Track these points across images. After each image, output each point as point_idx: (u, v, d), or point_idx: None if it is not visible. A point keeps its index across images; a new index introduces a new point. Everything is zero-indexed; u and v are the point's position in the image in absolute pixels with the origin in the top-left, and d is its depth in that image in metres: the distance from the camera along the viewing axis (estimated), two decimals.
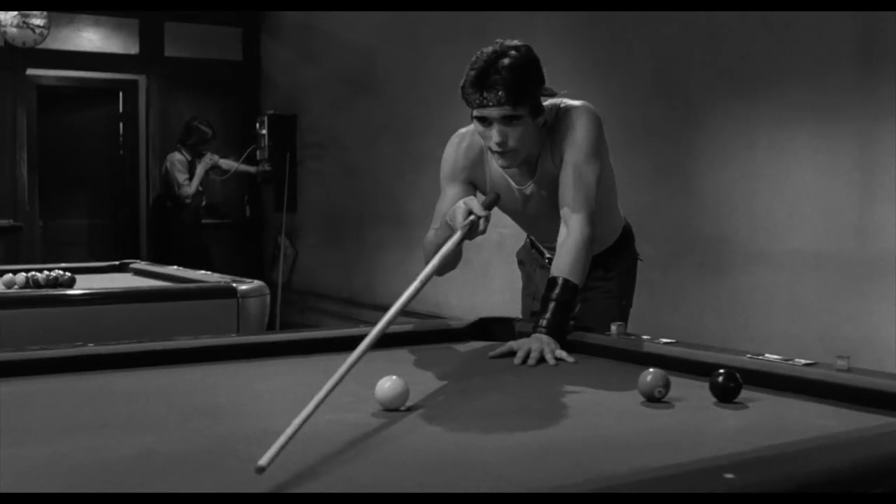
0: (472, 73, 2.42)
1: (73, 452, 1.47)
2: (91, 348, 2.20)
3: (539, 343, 2.29)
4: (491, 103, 2.41)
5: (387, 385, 1.75)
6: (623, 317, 2.83)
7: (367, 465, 1.42)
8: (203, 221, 7.92)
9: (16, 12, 7.69)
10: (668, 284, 4.73)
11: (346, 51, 7.61)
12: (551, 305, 2.39)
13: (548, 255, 2.91)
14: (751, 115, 4.46)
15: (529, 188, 2.67)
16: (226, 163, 7.89)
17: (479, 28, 5.46)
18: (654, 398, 1.84)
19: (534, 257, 3.01)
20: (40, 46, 7.87)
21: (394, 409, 1.75)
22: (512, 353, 2.30)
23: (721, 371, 1.86)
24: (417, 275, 2.13)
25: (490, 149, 2.53)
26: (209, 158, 7.63)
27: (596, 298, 2.81)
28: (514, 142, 2.47)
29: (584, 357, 2.30)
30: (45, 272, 3.98)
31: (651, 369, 1.88)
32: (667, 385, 1.84)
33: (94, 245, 8.72)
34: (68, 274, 4.00)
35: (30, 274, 3.96)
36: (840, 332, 4.05)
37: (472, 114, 2.49)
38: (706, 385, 1.87)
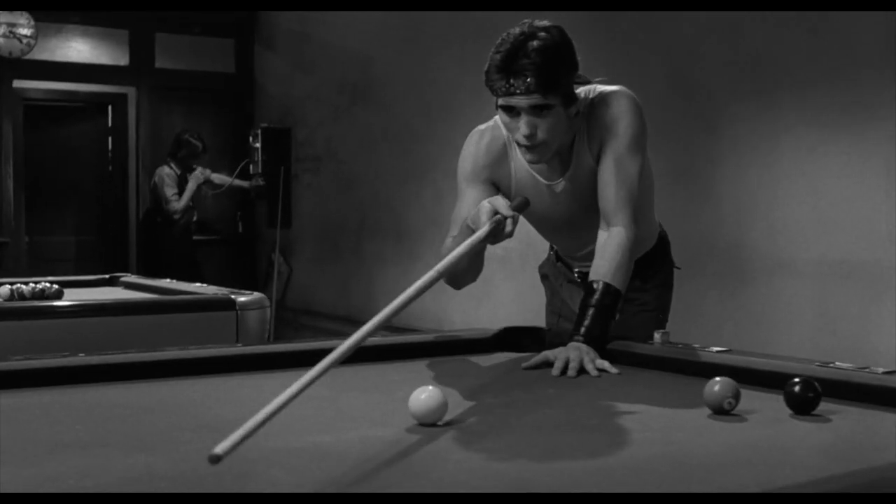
0: (498, 56, 2.18)
1: (65, 473, 1.29)
2: (82, 359, 1.98)
3: (578, 352, 2.07)
4: (519, 91, 2.17)
5: (423, 396, 1.53)
6: None
7: (412, 489, 1.20)
8: (195, 237, 7.72)
9: (1, 22, 7.48)
10: (685, 294, 4.47)
11: (342, 59, 7.41)
12: (590, 312, 2.17)
13: (576, 269, 2.68)
14: (773, 118, 4.26)
15: (560, 185, 2.42)
16: (218, 177, 7.68)
17: (482, 30, 5.24)
18: (723, 410, 1.62)
19: (560, 271, 2.76)
20: (27, 57, 7.66)
21: (430, 423, 1.53)
22: (548, 364, 2.08)
23: (797, 380, 1.65)
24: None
25: (517, 142, 2.30)
26: (200, 173, 7.42)
27: (632, 312, 2.57)
28: (543, 134, 2.23)
29: (627, 368, 2.08)
30: (32, 284, 3.75)
31: (717, 378, 1.66)
32: (737, 395, 1.63)
33: (81, 262, 8.49)
34: (56, 286, 3.77)
35: (15, 286, 3.71)
36: (870, 343, 3.85)
37: (496, 102, 2.25)
38: (774, 396, 1.68)
